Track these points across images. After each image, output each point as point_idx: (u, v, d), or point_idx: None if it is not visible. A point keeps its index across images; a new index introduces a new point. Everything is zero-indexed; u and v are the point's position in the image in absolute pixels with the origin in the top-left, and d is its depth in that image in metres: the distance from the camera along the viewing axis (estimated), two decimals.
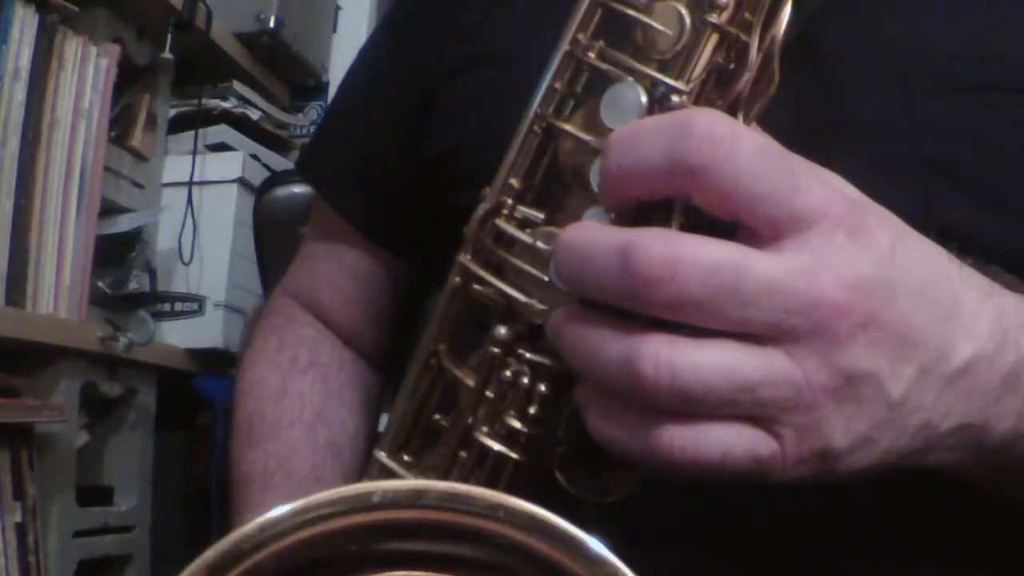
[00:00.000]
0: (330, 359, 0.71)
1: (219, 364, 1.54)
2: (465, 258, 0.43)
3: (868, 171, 0.40)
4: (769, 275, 0.33)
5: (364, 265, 0.71)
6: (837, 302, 0.34)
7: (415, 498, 0.31)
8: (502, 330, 0.41)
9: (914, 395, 0.36)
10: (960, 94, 0.50)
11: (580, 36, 0.40)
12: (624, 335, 0.35)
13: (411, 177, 0.65)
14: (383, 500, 0.31)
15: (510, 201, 0.42)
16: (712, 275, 0.33)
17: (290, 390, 0.67)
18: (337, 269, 0.72)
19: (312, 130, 1.84)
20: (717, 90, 0.38)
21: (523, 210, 0.42)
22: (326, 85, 1.86)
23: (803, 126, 0.48)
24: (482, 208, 0.43)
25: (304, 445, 0.64)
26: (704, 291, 0.33)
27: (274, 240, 1.10)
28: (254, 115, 1.66)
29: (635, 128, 0.35)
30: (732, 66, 0.38)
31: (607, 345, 0.35)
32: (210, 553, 0.32)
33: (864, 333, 0.34)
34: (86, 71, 1.33)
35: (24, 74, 1.24)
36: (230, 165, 1.58)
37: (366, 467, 0.50)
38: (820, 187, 0.35)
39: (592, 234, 0.35)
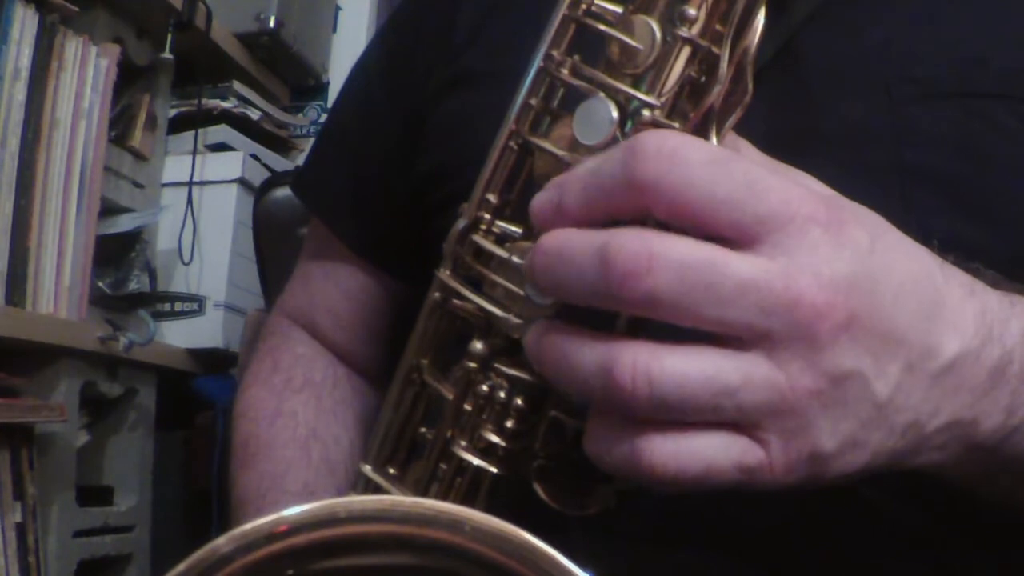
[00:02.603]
0: (324, 377, 0.71)
1: (219, 364, 1.54)
2: (444, 273, 0.44)
3: (849, 178, 0.40)
4: (745, 274, 0.33)
5: (361, 285, 0.71)
6: (816, 303, 0.34)
7: (381, 514, 0.31)
8: (479, 345, 0.41)
9: (901, 393, 0.36)
10: (944, 101, 0.50)
11: (554, 52, 0.41)
12: (600, 344, 0.35)
13: (406, 198, 0.66)
14: (349, 516, 0.31)
15: (487, 216, 0.43)
16: (688, 270, 0.33)
17: (284, 410, 0.67)
18: (334, 290, 0.72)
19: (312, 130, 1.84)
20: (689, 103, 0.38)
21: (501, 225, 0.43)
22: (326, 85, 1.86)
23: (784, 134, 0.48)
24: (460, 223, 0.43)
25: (297, 463, 0.64)
26: (680, 287, 0.33)
27: (274, 240, 1.11)
28: (254, 115, 1.66)
29: (595, 160, 0.36)
30: (704, 79, 0.38)
31: (584, 355, 0.35)
32: (181, 567, 0.32)
33: (846, 333, 0.34)
34: (86, 71, 1.33)
35: (24, 74, 1.24)
36: (230, 165, 1.58)
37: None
38: (785, 187, 0.35)
39: (570, 235, 0.35)
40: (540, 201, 0.37)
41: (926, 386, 0.36)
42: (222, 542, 0.31)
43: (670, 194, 0.34)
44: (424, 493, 0.44)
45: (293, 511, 0.31)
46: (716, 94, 0.38)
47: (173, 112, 1.59)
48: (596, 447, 0.37)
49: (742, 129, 0.40)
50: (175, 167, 1.57)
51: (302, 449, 0.65)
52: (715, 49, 0.38)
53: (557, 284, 0.36)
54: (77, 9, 1.31)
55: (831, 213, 0.35)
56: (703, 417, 0.34)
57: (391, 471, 0.48)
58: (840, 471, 0.36)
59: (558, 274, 0.35)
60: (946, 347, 0.37)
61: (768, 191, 0.34)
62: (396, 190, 0.67)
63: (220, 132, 1.61)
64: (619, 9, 0.39)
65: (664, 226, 0.35)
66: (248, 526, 0.31)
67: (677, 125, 0.38)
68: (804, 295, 0.34)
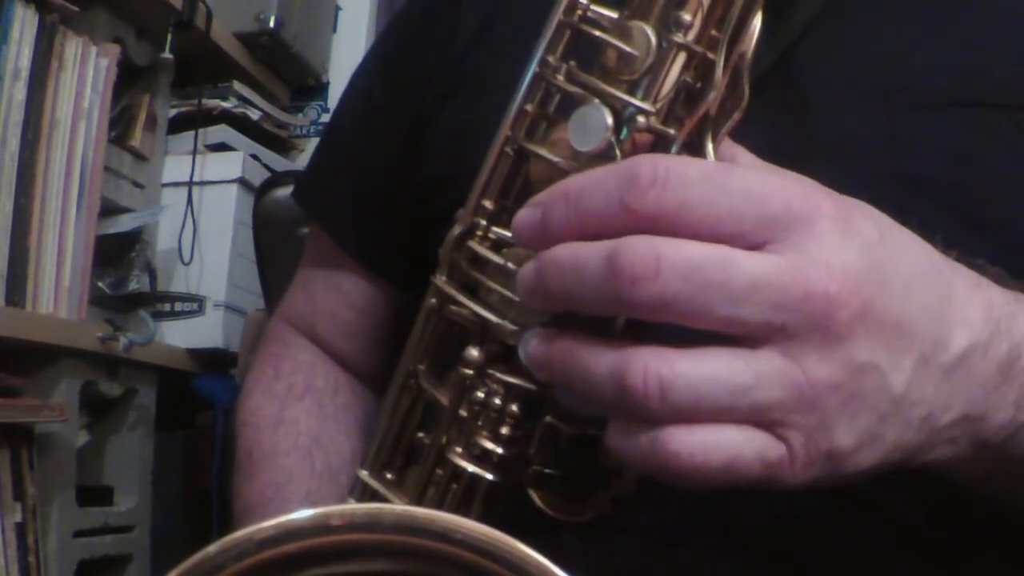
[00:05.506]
0: (326, 384, 0.71)
1: (219, 364, 1.54)
2: (440, 279, 0.44)
3: (847, 188, 0.40)
4: (756, 271, 0.33)
5: (363, 294, 0.71)
6: (829, 293, 0.34)
7: (372, 521, 0.31)
8: (474, 352, 0.41)
9: (915, 386, 0.36)
10: (941, 110, 0.50)
11: (549, 58, 0.41)
12: (611, 350, 0.35)
13: (408, 206, 0.65)
14: (340, 524, 0.31)
15: (483, 222, 0.43)
16: (697, 271, 0.33)
17: (286, 418, 0.67)
18: (335, 297, 0.72)
19: (312, 130, 1.84)
20: (685, 109, 0.38)
21: (497, 231, 0.42)
22: (326, 85, 1.86)
23: (783, 143, 0.48)
24: (456, 229, 0.43)
25: (300, 472, 0.64)
26: (689, 288, 0.33)
27: (274, 240, 1.10)
28: (254, 115, 1.66)
29: (583, 182, 0.36)
30: (700, 85, 0.38)
31: (595, 362, 0.35)
32: (172, 574, 0.32)
33: (861, 324, 0.34)
34: (86, 71, 1.33)
35: (24, 74, 1.24)
36: (230, 165, 1.58)
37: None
38: (785, 187, 0.35)
39: (577, 246, 0.35)
40: (520, 220, 0.37)
41: (938, 379, 0.36)
42: (213, 549, 0.31)
43: (671, 218, 0.34)
44: (420, 499, 0.44)
45: (285, 518, 0.31)
46: (712, 100, 0.38)
47: (173, 112, 1.59)
48: (618, 441, 0.36)
49: (741, 138, 0.40)
50: (175, 167, 1.57)
51: (305, 458, 0.65)
52: (711, 55, 0.38)
53: (566, 295, 0.36)
54: (77, 9, 1.31)
55: (837, 206, 0.35)
56: (719, 417, 0.34)
57: (388, 476, 0.48)
58: (856, 467, 0.36)
59: (565, 283, 0.35)
60: (956, 340, 0.37)
61: (769, 195, 0.34)
62: (398, 198, 0.66)
63: (220, 132, 1.61)
64: (614, 15, 0.39)
65: None
66: (239, 533, 0.31)
67: (672, 131, 0.38)
68: (816, 286, 0.33)
